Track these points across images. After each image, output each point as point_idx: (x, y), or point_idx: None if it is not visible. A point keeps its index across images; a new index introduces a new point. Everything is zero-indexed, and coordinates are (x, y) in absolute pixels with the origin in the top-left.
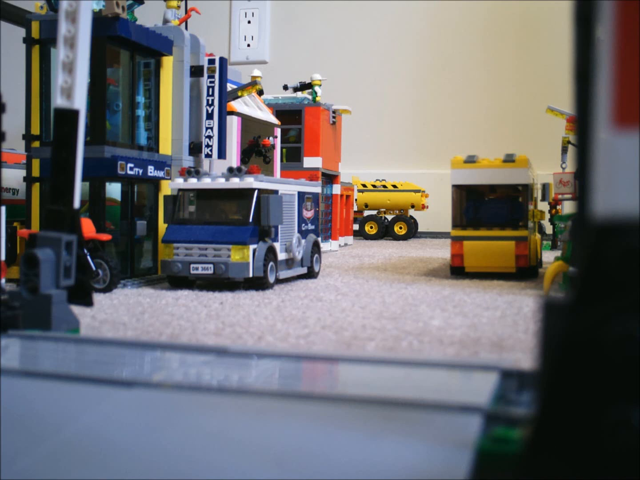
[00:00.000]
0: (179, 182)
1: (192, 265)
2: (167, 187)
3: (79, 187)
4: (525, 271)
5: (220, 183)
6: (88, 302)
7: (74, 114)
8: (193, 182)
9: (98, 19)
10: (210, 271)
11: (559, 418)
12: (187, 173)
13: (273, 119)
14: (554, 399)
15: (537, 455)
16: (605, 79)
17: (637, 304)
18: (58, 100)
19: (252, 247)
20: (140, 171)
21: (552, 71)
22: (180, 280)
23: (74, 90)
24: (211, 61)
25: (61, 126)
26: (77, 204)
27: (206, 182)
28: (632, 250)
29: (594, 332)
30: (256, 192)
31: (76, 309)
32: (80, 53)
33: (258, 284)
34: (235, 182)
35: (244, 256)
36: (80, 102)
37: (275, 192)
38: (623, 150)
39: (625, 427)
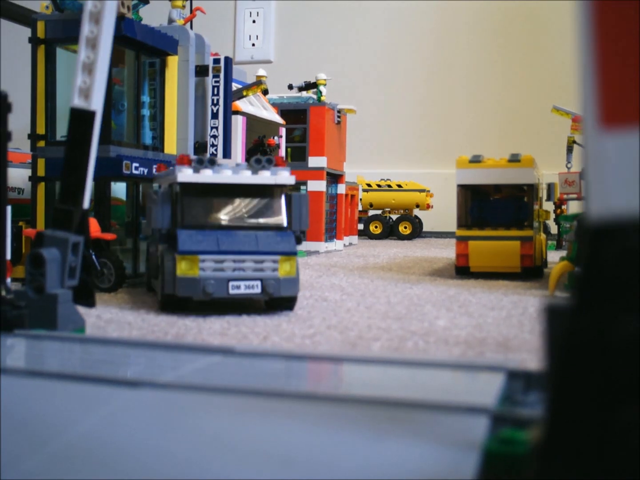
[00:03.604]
0: (187, 173)
1: (231, 284)
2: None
3: (90, 188)
4: (530, 271)
5: (248, 177)
6: (90, 303)
7: (90, 115)
8: (209, 175)
9: None
10: (258, 289)
11: (570, 423)
12: (197, 162)
13: (278, 119)
14: (564, 404)
15: (551, 460)
16: (589, 78)
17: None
18: (75, 100)
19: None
20: (146, 171)
21: (557, 71)
22: (180, 303)
23: (92, 91)
24: (216, 61)
25: (76, 126)
26: (86, 204)
27: (227, 176)
28: (630, 250)
29: (599, 334)
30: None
31: (81, 309)
32: (101, 54)
33: (285, 304)
34: (268, 177)
35: (292, 269)
36: (97, 103)
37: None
38: (614, 150)
39: (638, 428)
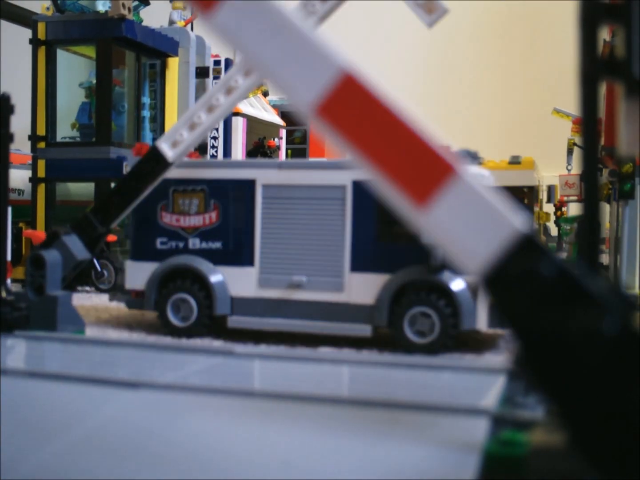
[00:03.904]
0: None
1: None
2: None
3: (124, 215)
4: None
5: None
6: None
7: (165, 164)
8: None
9: (104, 20)
10: None
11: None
12: None
13: (278, 120)
14: (580, 419)
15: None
16: (377, 178)
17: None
18: (162, 143)
19: None
20: None
21: (558, 73)
22: None
23: (182, 147)
24: (217, 62)
25: (147, 162)
26: (112, 225)
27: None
28: (520, 274)
29: (561, 356)
30: None
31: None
32: (212, 122)
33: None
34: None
35: None
36: (178, 158)
37: None
38: (443, 216)
39: None
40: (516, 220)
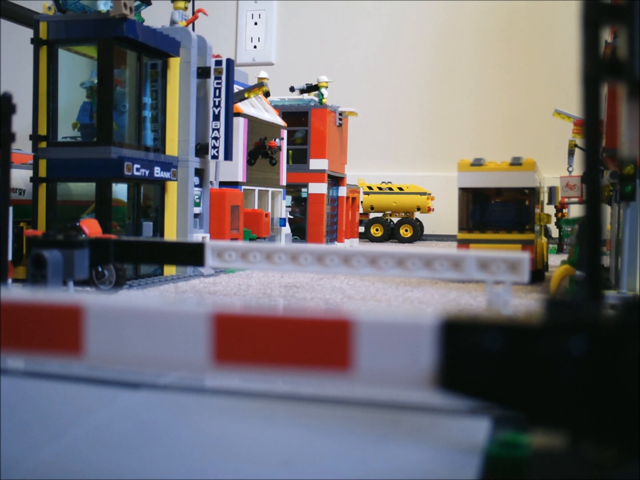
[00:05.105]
0: None
1: None
2: (174, 189)
3: None
4: (531, 274)
5: None
6: None
7: None
8: None
9: (105, 20)
10: None
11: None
12: None
13: (279, 121)
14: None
15: None
16: None
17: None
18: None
19: None
20: (147, 172)
21: (559, 74)
22: None
23: None
24: (218, 62)
25: None
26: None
27: None
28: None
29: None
30: None
31: None
32: None
33: None
34: None
35: None
36: None
37: None
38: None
39: None
40: (430, 313)
